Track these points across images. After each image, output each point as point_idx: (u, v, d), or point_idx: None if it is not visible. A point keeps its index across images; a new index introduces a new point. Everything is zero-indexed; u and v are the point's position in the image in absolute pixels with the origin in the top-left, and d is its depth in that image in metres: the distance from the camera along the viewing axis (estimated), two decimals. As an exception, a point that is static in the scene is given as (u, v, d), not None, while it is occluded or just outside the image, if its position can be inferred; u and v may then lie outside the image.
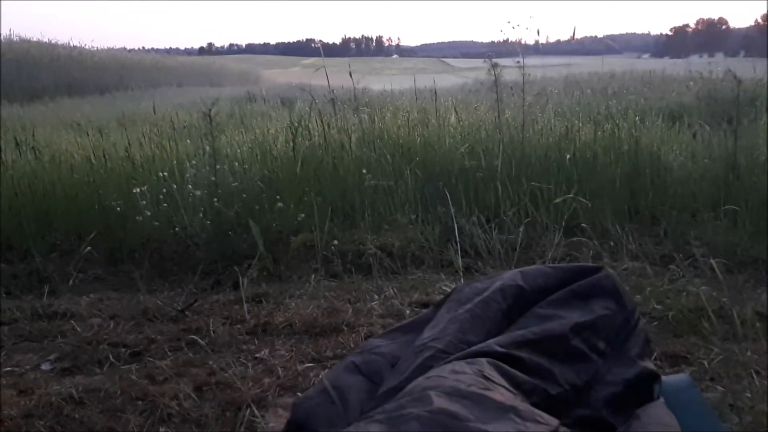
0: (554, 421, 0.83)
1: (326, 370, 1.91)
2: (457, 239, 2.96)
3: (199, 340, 2.21)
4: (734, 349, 1.92)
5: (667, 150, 3.87)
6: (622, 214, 3.35)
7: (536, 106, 5.51)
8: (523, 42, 4.44)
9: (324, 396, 1.07)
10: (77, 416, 1.75)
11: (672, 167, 3.64)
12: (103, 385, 1.90)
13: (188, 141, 4.31)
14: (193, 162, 3.56)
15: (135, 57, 28.87)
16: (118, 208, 3.26)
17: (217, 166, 3.46)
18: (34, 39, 23.02)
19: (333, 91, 4.51)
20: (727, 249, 2.85)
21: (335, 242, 3.08)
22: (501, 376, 0.92)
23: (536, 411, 0.84)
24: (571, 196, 3.21)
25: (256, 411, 1.74)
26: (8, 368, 2.09)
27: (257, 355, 2.11)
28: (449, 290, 1.38)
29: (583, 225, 3.13)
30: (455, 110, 4.97)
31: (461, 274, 2.79)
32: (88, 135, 5.07)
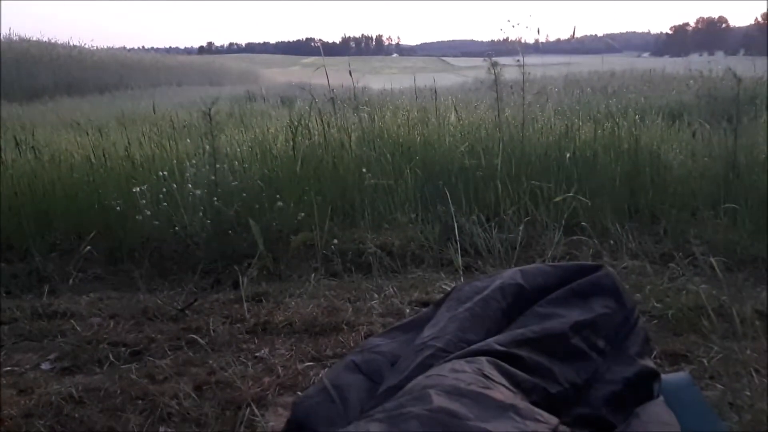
0: (554, 420, 0.83)
1: (326, 369, 1.91)
2: (457, 238, 2.96)
3: (199, 339, 2.21)
4: (734, 347, 1.92)
5: (667, 149, 3.87)
6: (622, 213, 3.35)
7: (536, 105, 5.51)
8: (523, 41, 4.44)
9: (324, 395, 1.07)
10: (77, 415, 1.75)
11: (672, 166, 3.64)
12: (103, 385, 1.90)
13: (188, 140, 4.31)
14: (193, 161, 3.56)
15: (135, 56, 28.84)
16: (118, 208, 3.26)
17: (217, 166, 3.46)
18: (34, 38, 23.02)
19: (333, 90, 4.51)
20: (727, 247, 2.85)
21: (335, 241, 3.08)
22: (501, 374, 0.92)
23: (536, 409, 0.84)
24: (571, 194, 3.21)
25: (256, 410, 1.74)
26: (8, 368, 2.09)
27: (257, 354, 2.11)
28: (449, 289, 1.38)
29: (582, 223, 3.13)
30: (455, 109, 4.97)
31: (461, 272, 2.79)
32: (87, 134, 5.08)
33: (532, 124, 4.21)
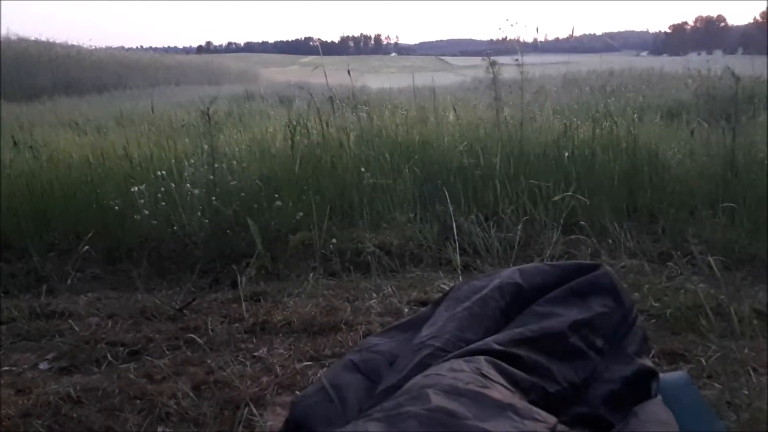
0: (552, 419, 0.83)
1: (324, 369, 1.91)
2: (456, 237, 2.96)
3: (198, 339, 2.21)
4: (732, 346, 1.93)
5: (665, 148, 3.87)
6: (621, 212, 3.35)
7: (535, 104, 5.52)
8: (521, 40, 4.45)
9: (322, 394, 1.07)
10: (75, 415, 1.74)
11: (670, 165, 3.64)
12: (101, 384, 1.89)
13: (186, 140, 4.31)
14: (192, 161, 3.56)
15: (133, 56, 28.77)
16: (117, 207, 3.26)
17: (216, 165, 3.46)
18: (33, 38, 22.97)
19: (331, 89, 4.51)
20: (725, 246, 2.86)
21: (334, 241, 3.08)
22: (499, 374, 0.92)
23: (534, 409, 0.84)
24: (569, 194, 3.21)
25: (254, 410, 1.74)
26: (6, 367, 2.09)
27: (255, 354, 2.11)
28: (448, 288, 1.38)
29: (581, 223, 3.14)
30: (454, 108, 4.98)
31: (460, 272, 2.79)
32: (86, 134, 5.08)
33: (530, 123, 4.22)
